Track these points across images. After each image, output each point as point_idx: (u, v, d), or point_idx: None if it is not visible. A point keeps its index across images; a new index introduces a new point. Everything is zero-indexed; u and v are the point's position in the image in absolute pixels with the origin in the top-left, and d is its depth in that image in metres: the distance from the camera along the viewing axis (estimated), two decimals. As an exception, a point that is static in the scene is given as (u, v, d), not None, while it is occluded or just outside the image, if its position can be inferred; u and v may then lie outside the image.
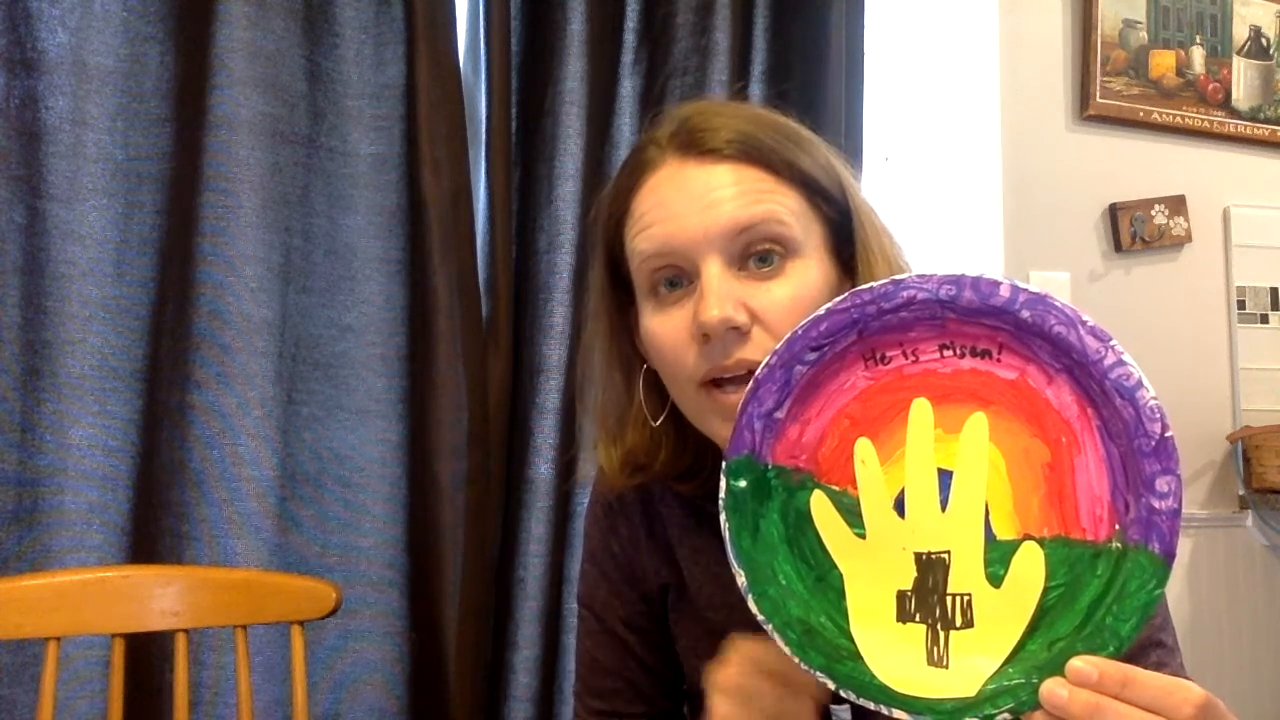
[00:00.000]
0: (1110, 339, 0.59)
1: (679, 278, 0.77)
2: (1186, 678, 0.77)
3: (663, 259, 0.76)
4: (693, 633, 0.91)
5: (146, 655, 1.46)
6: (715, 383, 0.75)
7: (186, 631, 1.18)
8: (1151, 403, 0.58)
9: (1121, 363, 0.58)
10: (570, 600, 1.75)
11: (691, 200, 0.76)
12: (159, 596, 1.17)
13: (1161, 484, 0.57)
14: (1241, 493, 2.26)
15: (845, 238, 0.80)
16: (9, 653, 1.42)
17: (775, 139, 0.78)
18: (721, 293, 0.73)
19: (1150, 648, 0.77)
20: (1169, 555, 0.57)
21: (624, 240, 0.81)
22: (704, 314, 0.72)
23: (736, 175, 0.76)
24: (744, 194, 0.75)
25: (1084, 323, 0.59)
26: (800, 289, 0.75)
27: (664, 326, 0.77)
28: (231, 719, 1.47)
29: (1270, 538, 2.28)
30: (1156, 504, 0.57)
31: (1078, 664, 0.55)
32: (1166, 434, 0.57)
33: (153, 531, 1.49)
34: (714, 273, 0.74)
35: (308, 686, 1.21)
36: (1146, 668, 0.75)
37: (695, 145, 0.78)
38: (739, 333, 0.73)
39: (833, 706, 0.75)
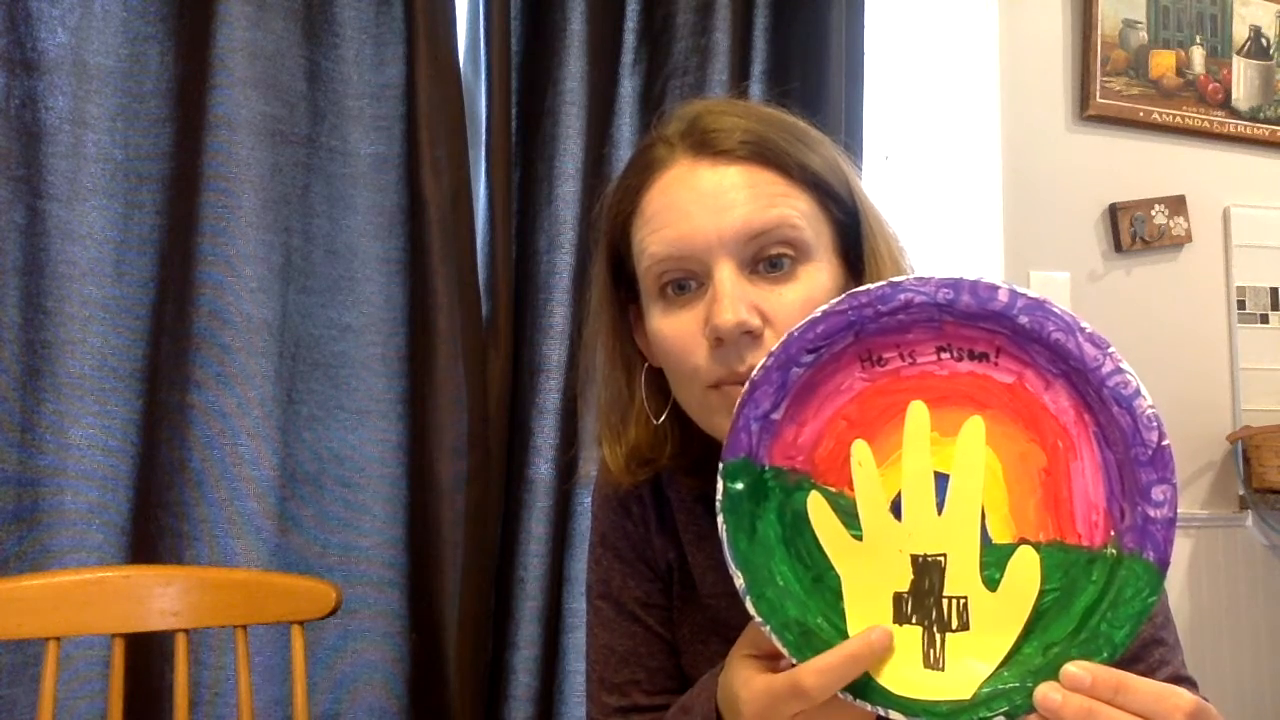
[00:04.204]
0: (1109, 346, 0.59)
1: (688, 280, 0.76)
2: (1188, 675, 0.78)
3: (674, 261, 0.76)
4: (694, 620, 0.90)
5: (146, 655, 1.46)
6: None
7: (186, 631, 1.18)
8: (1149, 411, 0.58)
9: (1119, 370, 0.58)
10: (570, 600, 1.75)
11: (704, 202, 0.75)
12: (159, 596, 1.18)
13: (1157, 493, 0.57)
14: (1241, 493, 2.26)
15: (853, 240, 0.80)
16: (9, 653, 1.43)
17: (786, 139, 0.78)
18: (735, 296, 0.73)
19: (1152, 645, 0.78)
20: (1163, 564, 0.57)
21: (631, 239, 0.81)
22: (718, 317, 0.72)
23: (749, 177, 0.76)
24: (757, 197, 0.75)
25: (1082, 329, 0.59)
26: (811, 292, 0.75)
27: (674, 328, 0.77)
28: (231, 719, 1.47)
29: (1270, 538, 2.28)
30: (1152, 513, 0.57)
31: (1072, 669, 0.56)
32: (1163, 443, 0.57)
33: (153, 531, 1.49)
34: (727, 276, 0.73)
35: (308, 686, 1.21)
36: (1149, 665, 0.76)
37: (707, 146, 0.77)
38: (752, 336, 0.73)
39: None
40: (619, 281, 0.85)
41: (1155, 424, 0.57)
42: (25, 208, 1.46)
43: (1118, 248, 2.23)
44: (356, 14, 1.67)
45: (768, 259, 0.75)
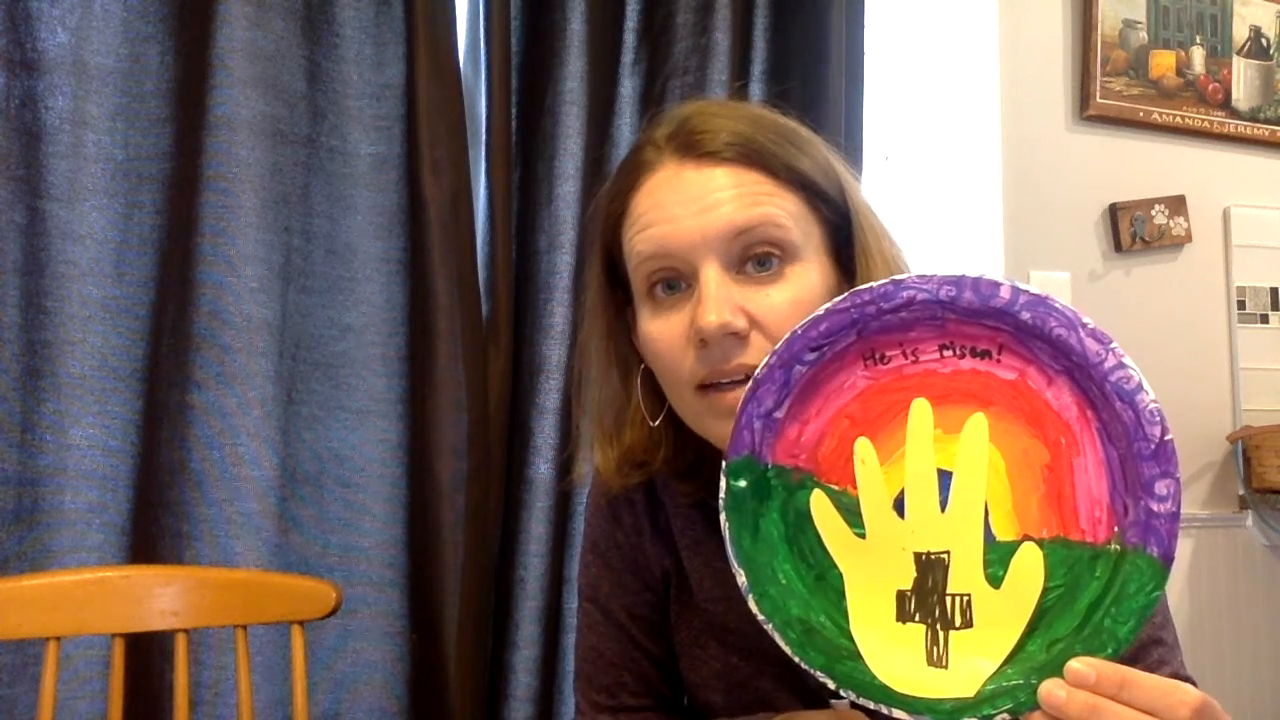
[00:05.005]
0: (1110, 341, 0.59)
1: (676, 280, 0.77)
2: (1187, 675, 0.78)
3: (660, 261, 0.76)
4: (692, 625, 0.90)
5: (146, 655, 1.46)
6: (712, 384, 0.75)
7: (186, 631, 1.18)
8: (1151, 406, 0.58)
9: (1122, 365, 0.58)
10: (570, 600, 1.75)
11: (689, 203, 0.75)
12: (159, 596, 1.17)
13: (1160, 487, 0.57)
14: (1241, 493, 2.26)
15: (844, 240, 0.80)
16: (9, 653, 1.42)
17: (774, 141, 0.78)
18: (719, 298, 0.72)
19: (1151, 645, 0.77)
20: (1167, 558, 0.57)
21: (622, 240, 0.81)
22: (702, 319, 0.72)
23: (735, 178, 0.76)
24: (742, 197, 0.75)
25: (1084, 325, 0.59)
26: (799, 293, 0.74)
27: (662, 330, 0.77)
28: (231, 719, 1.47)
29: (1270, 538, 2.28)
30: (1155, 507, 0.57)
31: (1076, 665, 0.55)
32: (1166, 437, 0.57)
33: (153, 531, 1.49)
34: (712, 277, 0.73)
35: (308, 686, 1.21)
36: (1148, 665, 0.76)
37: (694, 147, 0.77)
38: (737, 338, 0.73)
39: (832, 701, 0.75)
40: (614, 283, 0.85)
41: (1158, 418, 0.57)
42: (25, 208, 1.46)
43: (1118, 248, 2.23)
44: (356, 14, 1.67)
45: (755, 258, 0.75)
